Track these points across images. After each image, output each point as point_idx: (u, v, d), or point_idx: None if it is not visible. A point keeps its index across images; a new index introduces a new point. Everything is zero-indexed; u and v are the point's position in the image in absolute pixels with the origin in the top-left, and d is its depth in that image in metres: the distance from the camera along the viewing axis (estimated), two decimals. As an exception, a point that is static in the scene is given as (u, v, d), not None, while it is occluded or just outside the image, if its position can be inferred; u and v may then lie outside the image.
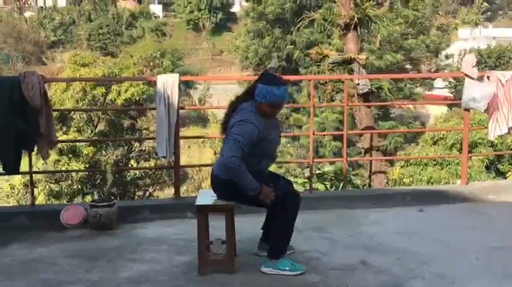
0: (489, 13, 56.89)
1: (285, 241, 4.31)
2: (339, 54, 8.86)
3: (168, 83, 5.59)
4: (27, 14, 53.26)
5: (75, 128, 20.84)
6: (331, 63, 8.47)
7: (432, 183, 14.17)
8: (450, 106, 25.31)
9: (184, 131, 5.10)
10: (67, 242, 5.02)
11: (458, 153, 15.53)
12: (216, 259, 4.33)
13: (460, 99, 6.45)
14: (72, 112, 20.02)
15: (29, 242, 5.01)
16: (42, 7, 54.50)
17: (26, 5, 55.69)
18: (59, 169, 17.66)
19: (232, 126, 4.14)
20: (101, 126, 22.35)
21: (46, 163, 16.21)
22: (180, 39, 49.94)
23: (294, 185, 7.17)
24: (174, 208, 5.76)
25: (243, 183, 4.08)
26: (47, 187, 18.45)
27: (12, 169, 5.28)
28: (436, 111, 28.41)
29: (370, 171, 8.52)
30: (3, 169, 5.31)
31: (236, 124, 4.13)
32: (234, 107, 4.32)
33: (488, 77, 6.28)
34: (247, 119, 4.14)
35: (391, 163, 16.33)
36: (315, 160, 7.53)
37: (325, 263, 4.45)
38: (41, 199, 17.51)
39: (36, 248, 4.87)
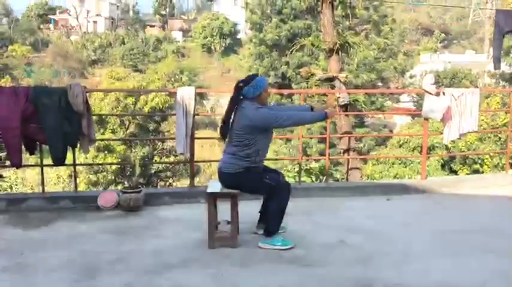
0: (445, 42, 56.86)
1: (278, 222, 4.31)
2: (324, 73, 8.87)
3: (186, 94, 5.59)
4: (73, 37, 53.26)
5: (110, 130, 20.87)
6: (317, 80, 8.50)
7: (398, 178, 14.15)
8: (413, 117, 25.29)
9: (198, 133, 5.11)
10: (103, 221, 5.03)
11: (419, 154, 15.55)
12: (223, 236, 4.34)
13: (421, 111, 6.46)
14: (108, 116, 20.05)
15: (73, 221, 5.02)
16: (85, 32, 54.51)
17: (72, 30, 55.65)
18: (97, 163, 17.68)
19: (249, 117, 4.11)
20: (131, 129, 22.37)
21: (86, 158, 16.25)
22: (195, 60, 49.92)
23: (286, 178, 7.19)
24: (189, 195, 5.76)
25: (308, 121, 4.43)
26: (87, 177, 18.48)
27: (59, 161, 5.28)
28: (401, 121, 28.44)
29: (348, 167, 8.52)
30: (52, 161, 5.31)
31: (257, 112, 4.12)
32: (233, 110, 4.27)
33: (443, 93, 6.29)
34: (258, 107, 4.17)
35: (365, 161, 16.32)
36: (303, 158, 7.52)
37: (310, 240, 4.45)
38: (82, 187, 17.53)
39: (78, 225, 4.88)
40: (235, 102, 4.26)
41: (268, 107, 4.38)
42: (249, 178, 4.23)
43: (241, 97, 4.24)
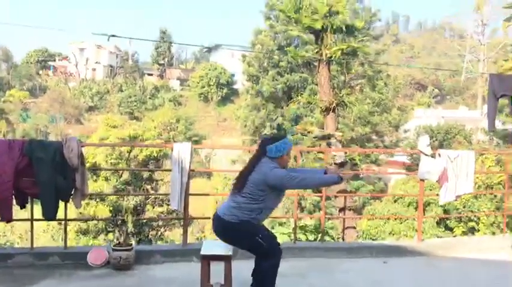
0: (439, 97, 57.94)
1: (270, 285, 4.19)
2: (320, 131, 8.96)
3: (182, 150, 5.58)
4: (71, 84, 53.86)
5: (104, 178, 20.75)
6: (313, 137, 8.56)
7: (393, 234, 13.98)
8: (408, 175, 25.37)
9: (192, 182, 5.09)
10: (92, 280, 4.89)
11: (414, 210, 15.44)
12: (215, 300, 4.22)
13: (417, 166, 6.46)
14: (102, 164, 19.98)
15: (61, 280, 4.88)
16: (83, 79, 55.22)
17: (71, 77, 56.40)
18: (88, 211, 17.44)
19: (265, 175, 4.08)
20: (125, 176, 22.25)
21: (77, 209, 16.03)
22: (192, 108, 50.42)
23: (282, 235, 7.09)
24: (182, 254, 5.63)
25: (321, 183, 4.41)
26: (77, 225, 18.16)
27: (50, 216, 5.18)
28: (396, 175, 28.48)
29: (344, 226, 8.43)
30: (43, 215, 5.21)
31: (272, 171, 4.09)
32: (253, 164, 4.23)
33: (439, 154, 6.32)
34: (275, 167, 4.14)
35: (360, 217, 16.18)
36: (298, 216, 7.43)
37: (305, 306, 4.34)
38: (71, 235, 17.20)
39: (66, 285, 4.76)
40: (256, 159, 4.24)
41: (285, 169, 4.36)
42: (242, 231, 4.14)
43: (264, 154, 4.23)
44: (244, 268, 4.56)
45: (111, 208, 18.43)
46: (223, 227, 4.18)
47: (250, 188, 4.13)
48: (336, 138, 8.30)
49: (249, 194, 4.13)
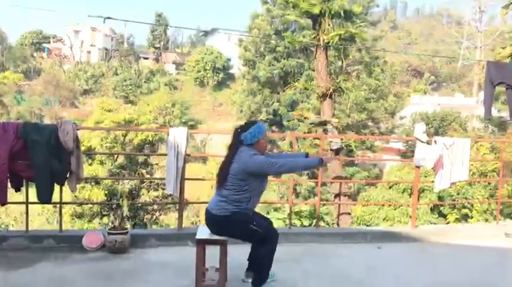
0: (435, 84, 57.96)
1: (266, 271, 4.22)
2: (316, 117, 8.94)
3: (178, 135, 5.56)
4: (65, 67, 53.43)
5: (99, 161, 20.72)
6: (310, 124, 8.55)
7: (387, 220, 14.09)
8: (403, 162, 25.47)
9: (187, 166, 5.06)
10: (87, 263, 4.90)
11: (408, 196, 15.54)
12: (210, 285, 4.23)
13: (412, 153, 6.48)
14: (97, 148, 19.94)
15: (56, 262, 4.88)
16: (78, 61, 54.80)
17: (66, 59, 55.94)
18: (83, 194, 17.44)
19: (245, 163, 4.07)
20: (120, 160, 22.22)
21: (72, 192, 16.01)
22: (188, 93, 50.19)
23: (277, 220, 7.11)
24: (177, 238, 5.65)
25: (303, 167, 4.33)
26: (72, 208, 18.17)
27: (45, 199, 5.17)
28: (391, 162, 28.57)
29: (339, 212, 8.47)
30: (38, 199, 5.20)
31: (251, 159, 4.08)
32: (231, 155, 4.21)
33: (435, 141, 6.34)
34: (255, 154, 4.14)
35: (355, 203, 16.28)
36: (293, 202, 7.47)
37: (300, 290, 4.37)
38: (66, 218, 17.22)
39: (60, 267, 4.75)
40: (233, 149, 4.22)
41: (265, 155, 4.36)
42: (235, 222, 4.14)
43: (240, 143, 4.22)
44: (239, 252, 4.58)
45: (106, 192, 18.45)
46: (216, 222, 4.18)
47: (233, 180, 4.12)
48: (332, 124, 8.30)
49: (233, 186, 4.13)
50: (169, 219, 20.54)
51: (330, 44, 9.22)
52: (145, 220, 19.79)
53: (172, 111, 37.62)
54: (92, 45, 58.74)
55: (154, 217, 21.10)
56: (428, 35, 77.28)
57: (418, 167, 6.55)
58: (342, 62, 10.36)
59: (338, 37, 9.32)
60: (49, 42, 59.97)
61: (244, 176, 4.10)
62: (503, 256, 5.83)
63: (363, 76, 26.05)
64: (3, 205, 5.19)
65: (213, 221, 4.20)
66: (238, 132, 4.22)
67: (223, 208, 4.14)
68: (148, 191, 20.01)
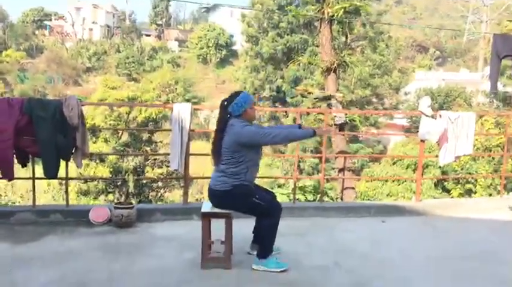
0: (440, 60, 57.38)
1: (271, 243, 4.27)
2: (320, 92, 8.89)
3: (182, 110, 5.56)
4: (68, 44, 53.13)
5: (103, 139, 20.78)
6: (314, 99, 8.50)
7: (391, 196, 14.14)
8: (407, 136, 25.40)
9: (192, 143, 5.05)
10: (94, 237, 4.96)
11: (412, 172, 15.55)
12: (216, 257, 4.29)
13: (415, 127, 6.46)
14: (100, 126, 19.98)
15: (62, 236, 4.95)
16: (80, 39, 54.46)
17: (68, 37, 55.60)
18: (88, 172, 17.53)
19: (237, 135, 4.08)
20: (124, 138, 22.25)
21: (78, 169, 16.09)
22: (191, 70, 49.87)
23: (281, 195, 7.15)
24: (183, 212, 5.70)
25: (295, 137, 4.35)
26: (78, 185, 18.30)
27: (51, 174, 5.21)
28: (395, 137, 28.50)
29: (343, 187, 8.49)
30: (45, 175, 5.24)
31: (244, 129, 4.09)
32: (221, 129, 4.21)
33: (440, 115, 6.31)
34: (245, 125, 4.14)
35: (359, 179, 16.32)
36: (298, 177, 7.49)
37: (304, 263, 4.41)
38: (72, 196, 17.34)
39: (68, 241, 4.81)
40: (222, 122, 4.22)
41: (256, 125, 4.37)
42: (238, 196, 4.17)
43: (228, 115, 4.21)
44: (244, 225, 4.63)
45: (111, 170, 18.53)
46: (219, 198, 4.21)
47: (227, 153, 4.14)
48: (336, 99, 8.26)
49: (228, 159, 4.15)
50: (174, 196, 20.64)
51: (334, 18, 9.11)
52: (150, 197, 19.93)
53: (176, 88, 37.48)
54: (93, 22, 58.26)
55: (159, 194, 21.25)
56: (434, 9, 76.13)
57: (422, 141, 6.54)
58: (346, 37, 10.24)
59: (343, 10, 9.20)
60: (50, 20, 59.52)
61: (238, 148, 4.11)
62: (507, 229, 5.86)
63: (367, 52, 25.79)
64: (10, 180, 5.23)
65: (216, 196, 4.23)
66: (225, 104, 4.22)
67: (224, 182, 4.17)
68: (153, 169, 20.10)
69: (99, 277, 3.94)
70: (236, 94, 4.27)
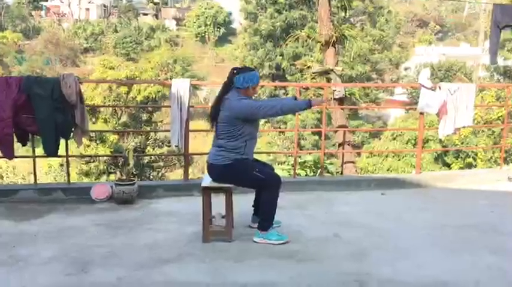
0: (440, 34, 56.87)
1: (271, 216, 4.29)
2: (319, 66, 8.83)
3: (181, 86, 5.55)
4: (64, 25, 52.65)
5: (103, 119, 20.78)
6: (313, 73, 8.45)
7: (391, 171, 14.21)
8: (407, 109, 25.35)
9: (191, 124, 5.06)
10: (95, 213, 5.00)
11: (412, 147, 15.59)
12: (217, 230, 4.33)
13: (415, 103, 6.45)
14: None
15: (65, 213, 4.99)
16: (77, 19, 53.94)
17: (64, 17, 55.06)
18: (89, 153, 17.58)
19: (233, 109, 4.10)
20: (123, 118, 22.26)
21: (78, 147, 16.14)
22: (189, 49, 49.50)
23: (281, 171, 7.18)
24: (184, 188, 5.73)
25: (291, 109, 4.39)
26: (79, 166, 18.37)
27: (52, 152, 5.23)
28: (395, 113, 28.47)
29: (343, 161, 8.50)
30: (45, 153, 5.26)
31: (239, 102, 4.11)
32: (219, 100, 4.24)
33: (439, 87, 6.29)
34: (241, 98, 4.16)
35: (359, 154, 16.35)
36: (297, 152, 7.50)
37: (304, 235, 4.45)
38: (73, 177, 17.42)
39: (70, 218, 4.85)
40: (226, 88, 4.24)
41: (251, 99, 4.36)
42: (238, 170, 4.20)
43: (231, 83, 4.21)
44: (244, 199, 4.66)
45: (111, 150, 18.58)
46: (219, 172, 4.23)
47: (225, 128, 4.16)
48: (335, 72, 8.22)
49: (226, 134, 4.17)
50: (175, 175, 20.73)
51: (333, -10, 9.00)
52: (151, 177, 20.03)
53: (174, 67, 37.29)
54: (90, 1, 57.59)
55: (160, 173, 21.36)
56: (434, -17, 75.17)
57: (422, 113, 6.53)
58: (346, 11, 10.13)
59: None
60: (46, 0, 58.84)
61: (234, 121, 4.13)
62: (506, 200, 5.89)
63: (367, 27, 25.60)
64: (10, 159, 5.25)
65: (216, 171, 4.25)
66: (234, 72, 4.23)
67: (224, 156, 4.19)
68: (153, 149, 20.16)
69: (103, 252, 3.98)
70: (249, 69, 4.32)
